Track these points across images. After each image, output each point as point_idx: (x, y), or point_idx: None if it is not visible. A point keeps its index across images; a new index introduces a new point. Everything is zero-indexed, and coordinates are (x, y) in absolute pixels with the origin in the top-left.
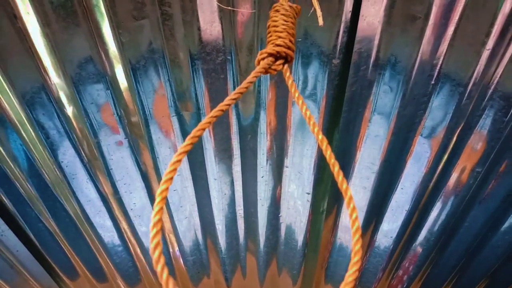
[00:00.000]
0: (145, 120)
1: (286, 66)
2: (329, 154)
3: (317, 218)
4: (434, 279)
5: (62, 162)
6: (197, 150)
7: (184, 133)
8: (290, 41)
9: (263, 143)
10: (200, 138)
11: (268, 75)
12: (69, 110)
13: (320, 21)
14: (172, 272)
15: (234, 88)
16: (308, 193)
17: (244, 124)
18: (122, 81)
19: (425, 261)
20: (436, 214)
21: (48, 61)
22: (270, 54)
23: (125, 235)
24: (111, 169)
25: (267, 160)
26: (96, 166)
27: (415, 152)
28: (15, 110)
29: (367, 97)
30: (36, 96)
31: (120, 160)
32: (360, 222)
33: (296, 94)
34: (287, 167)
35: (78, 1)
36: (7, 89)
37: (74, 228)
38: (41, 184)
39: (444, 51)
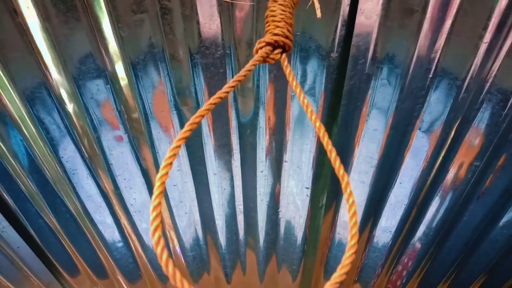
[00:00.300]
0: (144, 115)
1: (284, 55)
2: (326, 141)
3: (316, 213)
4: (433, 274)
5: (62, 157)
6: (196, 145)
7: None
8: (288, 30)
9: (262, 138)
10: (200, 134)
11: (268, 73)
12: (69, 105)
13: (318, 13)
14: None
15: None
16: (307, 188)
17: (243, 119)
18: (122, 76)
19: (424, 256)
20: (435, 209)
21: (48, 55)
22: (268, 43)
23: (125, 231)
24: (111, 164)
25: (266, 155)
26: (96, 161)
27: (413, 147)
28: (15, 105)
29: (366, 91)
30: (36, 91)
31: (120, 155)
32: (358, 217)
33: (294, 83)
34: (286, 162)
35: None
36: (8, 84)
37: (75, 224)
38: (42, 180)
39: (442, 44)
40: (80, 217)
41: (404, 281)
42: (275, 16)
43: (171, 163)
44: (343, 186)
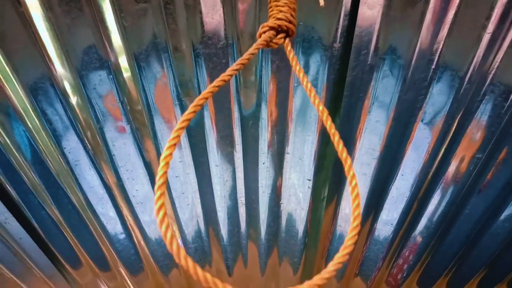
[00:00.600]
0: (147, 106)
1: (287, 40)
2: (329, 125)
3: (318, 206)
4: (434, 267)
5: (65, 148)
6: (199, 136)
7: None
8: (292, 15)
9: (264, 130)
10: (202, 125)
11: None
12: (72, 96)
13: (321, 1)
14: (174, 261)
15: (236, 75)
16: (309, 180)
17: (246, 111)
18: (125, 66)
19: (425, 250)
20: (437, 202)
21: (51, 46)
22: (271, 28)
23: (128, 223)
24: (113, 155)
25: (268, 147)
26: (99, 152)
27: (415, 138)
28: (18, 97)
29: (368, 82)
30: (39, 82)
31: (123, 146)
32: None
33: (298, 68)
34: (288, 153)
35: None
36: (11, 76)
37: (77, 215)
38: (44, 172)
39: (445, 35)
40: (82, 209)
41: (405, 274)
42: (278, 1)
43: (175, 144)
44: (346, 168)
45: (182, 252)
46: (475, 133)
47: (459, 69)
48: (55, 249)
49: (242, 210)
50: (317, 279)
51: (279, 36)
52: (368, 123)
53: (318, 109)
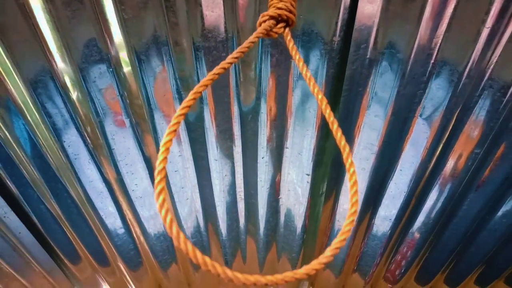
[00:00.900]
0: (147, 100)
1: (287, 29)
2: (328, 113)
3: (316, 201)
4: (432, 263)
5: (64, 142)
6: (198, 131)
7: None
8: (292, 5)
9: (264, 124)
10: (202, 120)
11: (270, 57)
12: (72, 90)
13: None
14: (173, 256)
15: (235, 67)
16: (308, 175)
17: (245, 105)
18: (125, 59)
19: (423, 245)
20: (435, 198)
21: (51, 38)
22: (271, 17)
23: (127, 218)
24: (113, 149)
25: (267, 141)
26: (98, 146)
27: (414, 133)
28: (19, 91)
29: (367, 76)
30: (39, 75)
31: (122, 140)
32: (358, 205)
33: (297, 57)
34: (287, 148)
35: None
36: (12, 69)
37: (76, 210)
38: (44, 166)
39: (444, 29)
40: (81, 203)
41: (403, 270)
42: None
43: (175, 131)
44: (344, 156)
45: (182, 235)
46: (474, 128)
47: (458, 64)
48: (54, 243)
49: (241, 205)
50: (314, 263)
51: (279, 25)
52: (367, 118)
53: (318, 98)
